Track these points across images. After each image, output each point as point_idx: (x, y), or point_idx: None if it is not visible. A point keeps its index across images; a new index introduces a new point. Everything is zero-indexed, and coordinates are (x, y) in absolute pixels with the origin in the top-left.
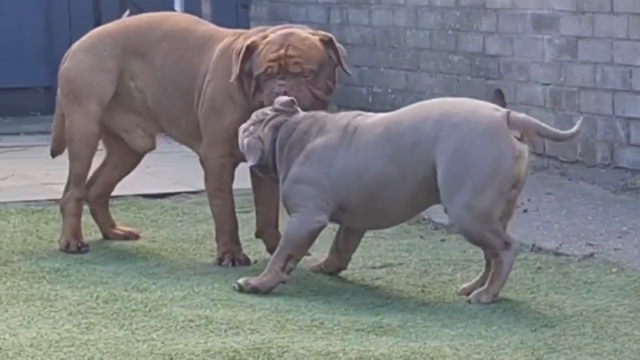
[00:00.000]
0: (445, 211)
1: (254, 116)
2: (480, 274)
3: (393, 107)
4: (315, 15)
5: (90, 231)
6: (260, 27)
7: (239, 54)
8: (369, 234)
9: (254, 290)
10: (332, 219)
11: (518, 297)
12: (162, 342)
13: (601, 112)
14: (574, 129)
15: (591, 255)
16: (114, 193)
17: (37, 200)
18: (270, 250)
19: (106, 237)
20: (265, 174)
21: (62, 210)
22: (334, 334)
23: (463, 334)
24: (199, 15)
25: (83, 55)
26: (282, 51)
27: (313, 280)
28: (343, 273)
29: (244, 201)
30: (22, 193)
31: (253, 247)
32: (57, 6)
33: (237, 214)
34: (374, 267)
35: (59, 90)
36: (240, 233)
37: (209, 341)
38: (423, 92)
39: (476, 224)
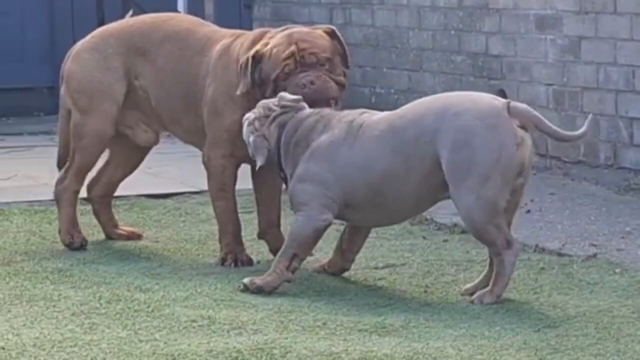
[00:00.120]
0: (454, 203)
1: (259, 109)
2: (483, 273)
3: (396, 108)
4: (318, 16)
5: (93, 231)
6: (261, 29)
7: (246, 66)
8: (371, 234)
9: (259, 290)
10: (338, 216)
11: (521, 298)
12: (165, 343)
13: (604, 113)
14: (582, 130)
15: (594, 255)
16: (116, 193)
17: (40, 201)
18: (273, 251)
19: (109, 237)
20: (273, 172)
21: (57, 201)
22: (337, 334)
23: (466, 334)
24: (202, 15)
25: (87, 54)
26: (293, 47)
27: (316, 280)
28: (346, 274)
29: (246, 201)
30: (25, 193)
31: (256, 248)
32: (60, 7)
33: (239, 215)
34: (376, 268)
35: (62, 91)
36: (242, 233)
37: (211, 341)
38: (426, 92)
39: (483, 215)
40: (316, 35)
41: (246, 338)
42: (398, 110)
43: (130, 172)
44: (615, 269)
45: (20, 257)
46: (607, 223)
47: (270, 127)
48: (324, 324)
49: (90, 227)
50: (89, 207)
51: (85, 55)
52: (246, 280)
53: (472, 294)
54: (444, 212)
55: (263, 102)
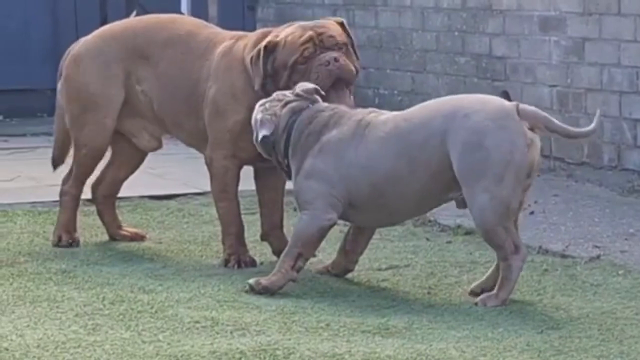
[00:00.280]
0: (465, 205)
1: (274, 95)
2: (488, 273)
3: (399, 109)
4: (322, 17)
5: (97, 232)
6: (262, 30)
7: (257, 57)
8: (375, 235)
9: (265, 290)
10: (342, 216)
11: (524, 299)
12: (168, 344)
13: (608, 114)
14: (591, 126)
15: (598, 257)
16: (120, 194)
17: (43, 202)
18: (276, 252)
19: (113, 238)
20: (268, 155)
21: (59, 201)
22: (340, 335)
23: (469, 335)
24: (206, 17)
25: (89, 61)
26: (310, 32)
27: (319, 281)
28: (349, 275)
29: (249, 203)
30: (29, 194)
31: (259, 249)
32: (63, 8)
33: (242, 216)
34: (380, 269)
35: (60, 92)
36: (245, 235)
37: (215, 342)
38: (429, 93)
39: (495, 216)
40: (329, 23)
41: (249, 339)
42: (404, 113)
43: (133, 171)
44: (618, 270)
45: (24, 258)
46: (611, 224)
47: (282, 109)
48: (327, 325)
49: (94, 228)
50: (92, 208)
51: (86, 60)
52: (252, 280)
53: (477, 294)
54: (447, 213)
55: (278, 92)
